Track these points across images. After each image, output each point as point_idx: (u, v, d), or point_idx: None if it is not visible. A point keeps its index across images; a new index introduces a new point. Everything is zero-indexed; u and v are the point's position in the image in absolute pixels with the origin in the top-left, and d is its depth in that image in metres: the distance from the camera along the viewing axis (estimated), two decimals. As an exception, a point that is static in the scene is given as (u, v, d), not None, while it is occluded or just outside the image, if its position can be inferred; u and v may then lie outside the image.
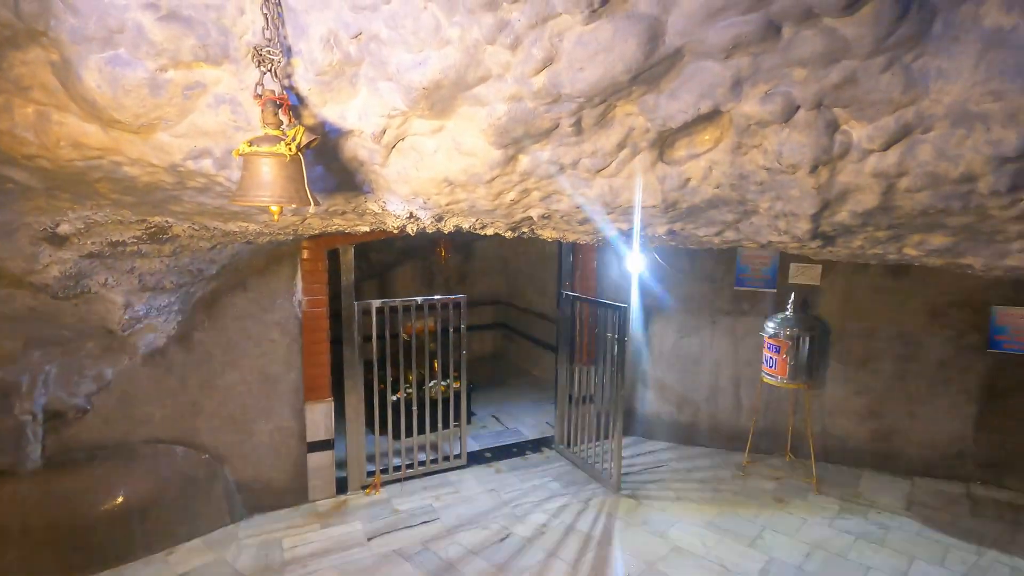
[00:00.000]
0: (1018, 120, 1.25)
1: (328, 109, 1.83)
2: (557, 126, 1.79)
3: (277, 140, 1.66)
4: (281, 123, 1.71)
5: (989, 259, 2.03)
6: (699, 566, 3.89)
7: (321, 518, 4.40)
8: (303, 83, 1.71)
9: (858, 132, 1.50)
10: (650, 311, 6.00)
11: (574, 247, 5.75)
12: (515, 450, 5.79)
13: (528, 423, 6.51)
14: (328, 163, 2.09)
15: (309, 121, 1.85)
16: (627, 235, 2.68)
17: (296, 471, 4.53)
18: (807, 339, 4.91)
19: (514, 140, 1.84)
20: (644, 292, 5.91)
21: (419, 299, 4.96)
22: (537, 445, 5.92)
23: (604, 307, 4.99)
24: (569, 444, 5.58)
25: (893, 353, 5.23)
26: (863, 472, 5.30)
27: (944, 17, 1.20)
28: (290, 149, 1.63)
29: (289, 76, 1.70)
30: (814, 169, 1.64)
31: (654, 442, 6.02)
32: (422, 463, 5.16)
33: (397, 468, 5.06)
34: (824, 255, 2.68)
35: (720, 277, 5.75)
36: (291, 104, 1.69)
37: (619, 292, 5.84)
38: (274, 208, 1.77)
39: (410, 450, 5.20)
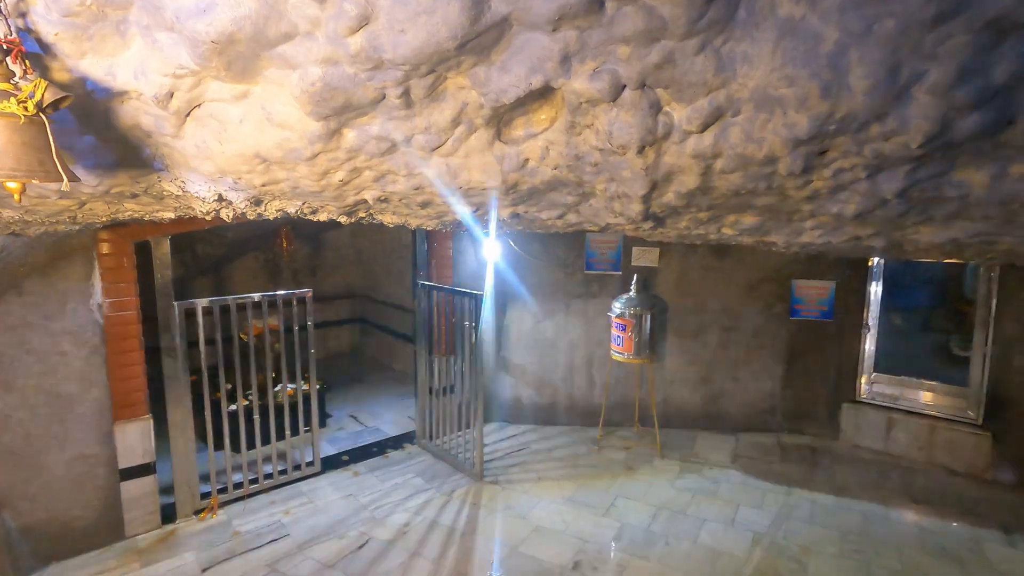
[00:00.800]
0: (808, 105, 1.35)
1: (89, 63, 1.47)
2: (384, 97, 1.62)
3: (6, 95, 1.28)
4: (13, 75, 1.33)
5: (788, 236, 2.29)
6: (559, 542, 4.01)
7: (142, 555, 3.78)
8: (46, 25, 1.34)
9: (679, 114, 1.55)
10: (508, 298, 6.06)
11: (428, 235, 5.59)
12: (375, 450, 5.52)
13: (389, 420, 6.26)
14: (100, 132, 1.70)
15: (62, 76, 1.47)
16: (474, 220, 2.61)
17: (106, 505, 3.84)
18: (648, 317, 5.29)
19: (335, 111, 1.64)
20: (501, 279, 5.95)
21: (256, 296, 4.45)
22: (399, 442, 5.71)
23: (459, 295, 4.91)
24: (432, 437, 5.46)
25: (719, 325, 5.85)
26: (698, 434, 5.89)
27: (747, 3, 1.23)
28: (26, 108, 1.27)
29: (24, 15, 1.32)
30: (641, 150, 1.67)
31: (517, 426, 6.13)
32: (269, 476, 4.69)
33: (239, 485, 4.54)
34: (657, 236, 2.85)
35: (572, 262, 5.98)
36: (26, 51, 1.32)
37: (477, 280, 5.80)
38: (11, 185, 1.37)
39: (256, 463, 4.69)
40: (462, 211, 2.32)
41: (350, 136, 1.78)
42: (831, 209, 1.84)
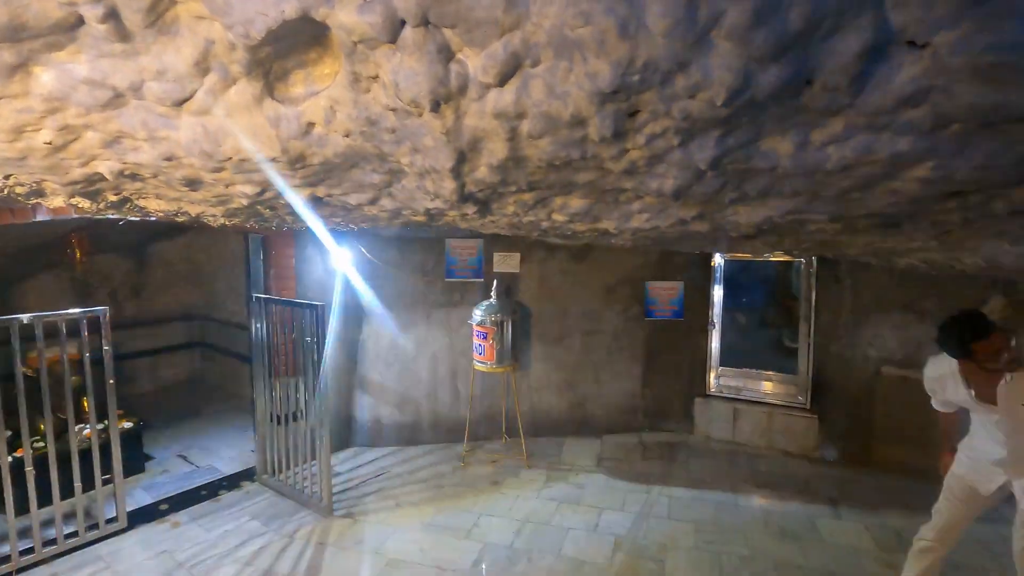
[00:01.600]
0: (607, 48, 1.17)
1: None
2: (80, 20, 1.20)
3: None
4: None
5: (619, 222, 2.19)
6: (414, 575, 3.62)
7: None
8: None
9: (473, 62, 1.31)
10: (363, 310, 5.58)
11: (265, 242, 4.97)
12: (205, 492, 4.72)
13: (227, 456, 5.45)
14: None
15: None
16: (267, 207, 2.19)
17: None
18: (510, 324, 5.13)
19: (3, 35, 1.18)
20: (356, 290, 5.47)
21: (24, 317, 3.57)
22: (236, 480, 4.96)
23: (299, 308, 4.37)
24: (275, 472, 4.79)
25: (581, 329, 5.86)
26: (566, 440, 5.83)
27: (532, -76, 1.00)
28: None
29: None
30: (436, 107, 1.41)
31: (377, 449, 5.63)
32: (51, 542, 3.76)
33: (6, 559, 3.57)
34: (490, 227, 2.67)
35: (431, 269, 5.67)
36: None
37: (326, 292, 5.27)
38: None
39: (45, 524, 3.73)
40: (244, 192, 1.90)
41: (45, 78, 1.32)
42: (651, 185, 1.73)
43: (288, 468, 4.68)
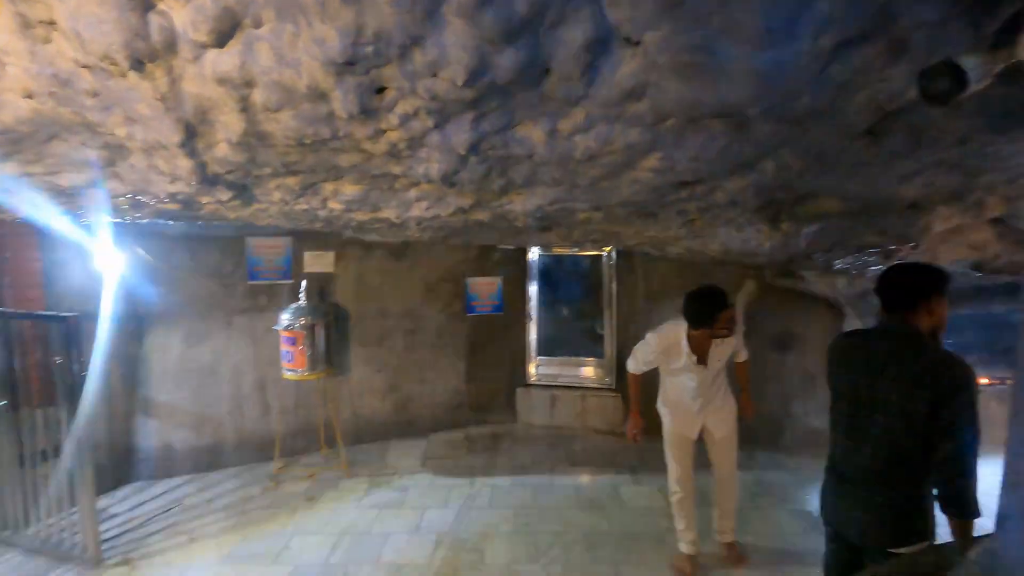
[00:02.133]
0: (330, 11, 1.09)
1: None
2: None
3: None
4: None
5: (399, 210, 2.14)
6: (206, 616, 3.19)
7: None
8: None
9: (179, 15, 1.13)
10: (145, 320, 4.80)
11: (-4, 243, 4.00)
12: (-89, 567, 3.65)
13: (-49, 515, 4.28)
14: None
15: None
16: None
17: None
18: (323, 326, 4.81)
19: None
20: (133, 298, 4.67)
21: None
22: (-37, 545, 3.91)
23: (42, 322, 3.59)
24: (22, 526, 3.88)
25: (403, 329, 5.73)
26: (391, 443, 5.65)
27: None
28: None
29: None
30: (140, 66, 1.20)
31: (169, 480, 4.89)
32: None
33: None
34: (263, 217, 2.44)
35: (231, 272, 5.09)
36: None
37: (91, 302, 4.41)
38: None
39: None
40: None
41: None
42: (419, 170, 1.70)
43: (43, 518, 3.82)
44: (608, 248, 5.71)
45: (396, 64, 1.24)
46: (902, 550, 2.06)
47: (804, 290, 5.28)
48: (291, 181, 1.81)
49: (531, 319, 6.11)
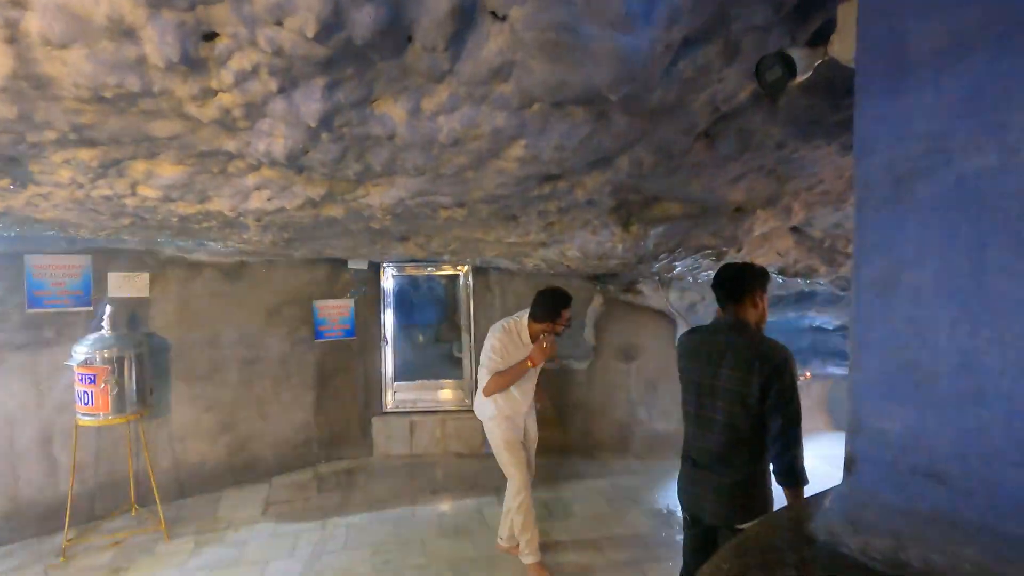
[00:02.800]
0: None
1: None
2: None
3: None
4: None
5: (235, 201, 1.83)
6: None
7: None
8: None
9: None
10: None
11: None
12: None
13: None
14: None
15: None
16: None
17: None
18: (134, 360, 4.05)
19: None
20: None
21: None
22: None
23: None
24: None
25: (239, 358, 5.08)
26: (224, 493, 4.90)
27: None
28: None
29: None
30: None
31: None
32: None
33: None
34: (48, 211, 1.95)
35: (3, 298, 4.08)
36: None
37: None
38: None
39: None
40: None
41: None
42: (260, 146, 1.47)
43: None
44: (464, 268, 5.70)
45: (230, 1, 1.05)
46: (747, 525, 2.25)
47: (643, 304, 5.75)
48: (86, 155, 1.43)
49: (387, 343, 5.81)
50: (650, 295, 5.64)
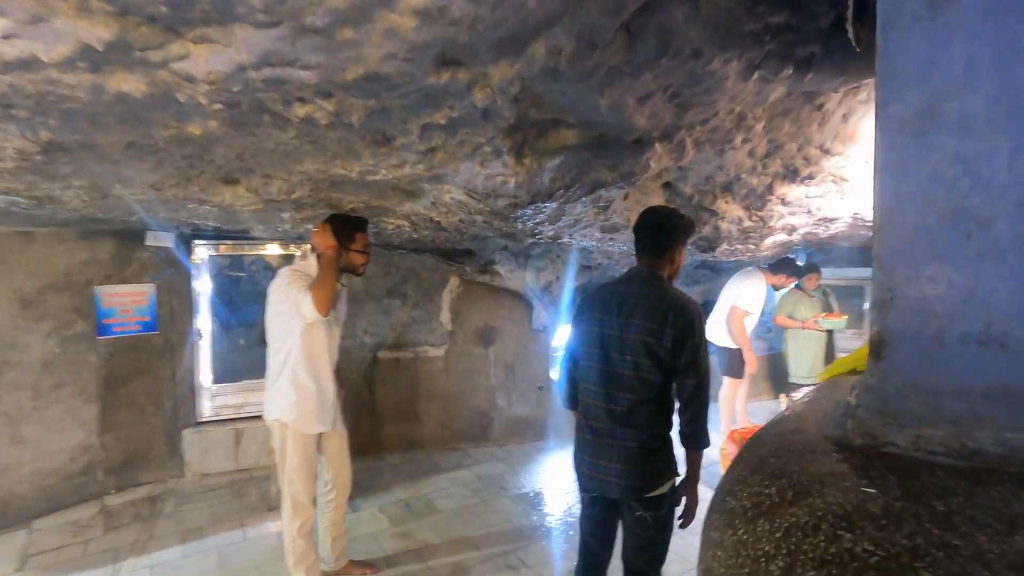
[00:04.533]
0: None
1: None
2: None
3: None
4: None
5: None
6: None
7: None
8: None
9: None
10: None
11: None
12: None
13: None
14: None
15: None
16: None
17: None
18: None
19: None
20: None
21: None
22: None
23: None
24: None
25: (-25, 365, 3.72)
26: (-48, 552, 3.53)
27: None
28: None
29: None
30: None
31: None
32: None
33: None
34: None
35: None
36: None
37: None
38: None
39: None
40: None
41: None
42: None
43: None
44: (307, 247, 4.93)
45: None
46: (657, 492, 2.07)
47: (500, 286, 5.57)
48: None
49: (200, 338, 4.79)
50: (507, 276, 5.47)
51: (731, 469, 1.02)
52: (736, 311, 4.99)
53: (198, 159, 1.97)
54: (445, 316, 5.44)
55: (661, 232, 2.06)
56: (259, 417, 4.84)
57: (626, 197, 2.64)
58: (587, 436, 2.11)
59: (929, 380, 0.84)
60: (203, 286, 4.82)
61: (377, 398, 5.14)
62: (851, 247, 5.95)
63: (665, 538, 2.15)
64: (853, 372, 1.55)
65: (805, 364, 5.34)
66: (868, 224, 3.48)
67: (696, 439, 2.05)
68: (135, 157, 1.83)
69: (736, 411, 5.40)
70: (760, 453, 0.98)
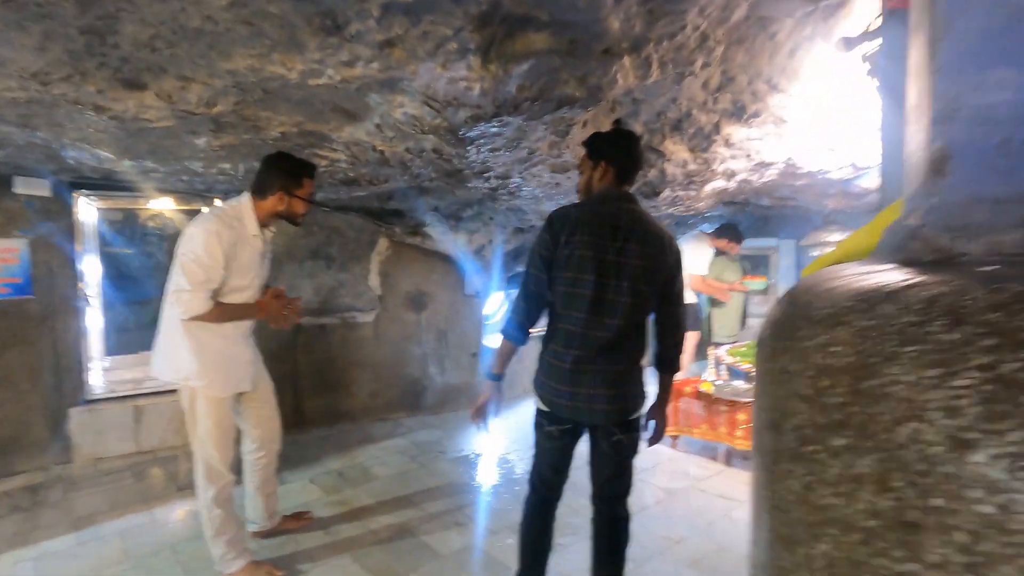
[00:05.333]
0: None
1: None
2: None
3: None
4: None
5: None
6: None
7: None
8: None
9: None
10: None
11: None
12: None
13: None
14: None
15: None
16: None
17: None
18: None
19: None
20: None
21: None
22: None
23: None
24: None
25: None
26: None
27: None
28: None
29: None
30: None
31: None
32: None
33: None
34: None
35: None
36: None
37: None
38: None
39: None
40: None
41: None
42: None
43: None
44: (219, 199, 4.43)
45: None
46: (636, 414, 2.06)
47: (432, 248, 5.35)
48: None
49: (88, 304, 4.17)
50: (438, 239, 5.26)
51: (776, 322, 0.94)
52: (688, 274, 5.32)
53: (99, 40, 1.61)
54: (374, 280, 5.14)
55: (638, 160, 2.01)
56: (164, 392, 4.32)
57: (585, 124, 2.56)
58: (564, 365, 1.97)
59: (995, 191, 0.80)
60: (91, 244, 4.19)
61: (300, 368, 4.77)
62: (756, 216, 6.31)
63: (633, 463, 2.13)
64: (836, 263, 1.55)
65: (728, 324, 5.74)
66: (798, 173, 3.67)
67: (675, 364, 2.10)
68: (14, 23, 1.45)
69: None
70: (809, 298, 0.89)
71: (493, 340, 6.45)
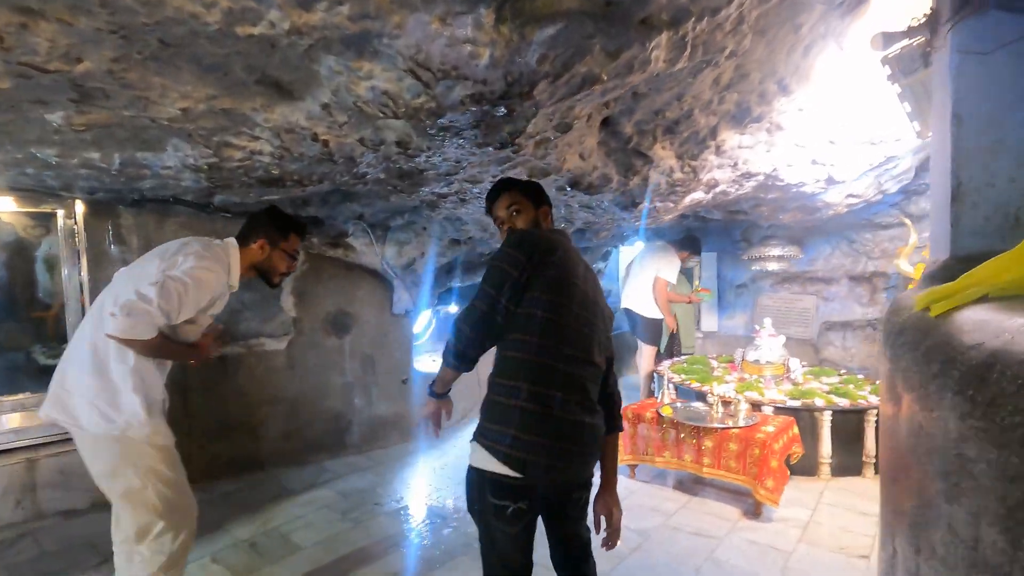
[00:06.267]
0: None
1: None
2: None
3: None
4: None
5: None
6: None
7: None
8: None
9: None
10: None
11: None
12: None
13: None
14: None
15: None
16: None
17: None
18: None
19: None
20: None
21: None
22: None
23: None
24: None
25: None
26: None
27: None
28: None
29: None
30: None
31: None
32: None
33: None
34: None
35: None
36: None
37: None
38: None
39: None
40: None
41: None
42: None
43: None
44: (70, 207, 3.44)
45: None
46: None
47: (356, 262, 4.66)
48: None
49: None
50: (363, 251, 4.59)
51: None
52: (659, 281, 5.28)
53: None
54: (287, 300, 4.35)
55: (540, 190, 1.80)
56: (3, 451, 3.27)
57: (589, 118, 2.12)
58: (552, 412, 1.50)
59: None
60: None
61: (194, 410, 3.86)
62: (685, 228, 6.23)
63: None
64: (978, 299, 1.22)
65: (687, 336, 6.04)
66: (776, 186, 3.50)
67: (620, 421, 1.84)
68: None
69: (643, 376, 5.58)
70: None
71: (426, 364, 5.82)
